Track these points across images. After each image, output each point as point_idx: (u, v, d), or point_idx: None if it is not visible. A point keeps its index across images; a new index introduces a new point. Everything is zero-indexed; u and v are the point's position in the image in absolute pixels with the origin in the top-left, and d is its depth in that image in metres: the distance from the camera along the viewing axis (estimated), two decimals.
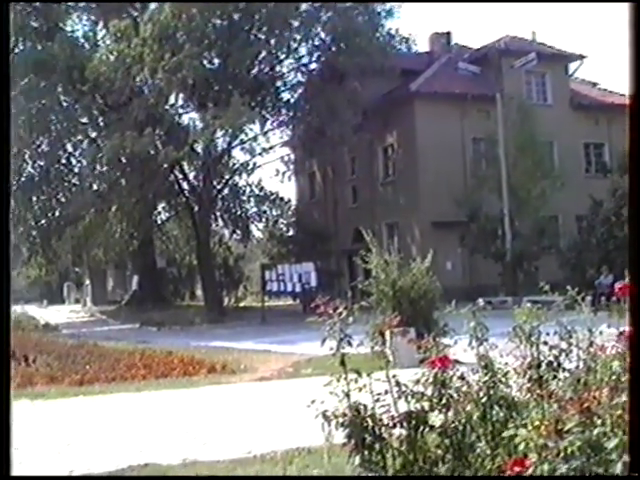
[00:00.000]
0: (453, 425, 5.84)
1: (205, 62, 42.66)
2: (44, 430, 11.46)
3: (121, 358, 20.88)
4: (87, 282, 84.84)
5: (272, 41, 43.29)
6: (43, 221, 52.66)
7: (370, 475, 5.74)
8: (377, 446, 5.86)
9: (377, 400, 5.84)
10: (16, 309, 70.02)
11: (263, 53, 43.87)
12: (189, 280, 67.72)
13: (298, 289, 40.07)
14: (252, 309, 47.97)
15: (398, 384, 5.90)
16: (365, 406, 5.84)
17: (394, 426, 5.86)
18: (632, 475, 4.61)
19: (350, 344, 6.02)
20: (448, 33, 52.80)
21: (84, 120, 48.87)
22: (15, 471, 8.67)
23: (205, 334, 32.72)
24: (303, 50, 46.40)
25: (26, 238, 56.07)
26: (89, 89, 43.83)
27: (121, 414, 12.70)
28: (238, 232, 54.03)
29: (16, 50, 46.81)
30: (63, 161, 51.49)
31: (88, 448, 10.05)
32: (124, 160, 43.57)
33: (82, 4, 49.01)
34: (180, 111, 49.11)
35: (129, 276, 70.69)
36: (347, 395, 5.84)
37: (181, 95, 45.89)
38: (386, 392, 5.86)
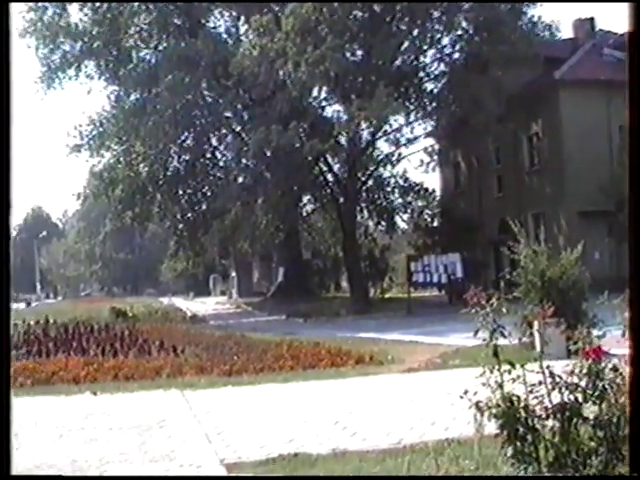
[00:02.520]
0: (607, 417, 5.75)
1: (348, 54, 42.74)
2: (194, 419, 11.66)
3: (268, 349, 21.08)
4: (233, 274, 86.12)
5: (414, 32, 43.13)
6: (189, 215, 53.78)
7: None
8: (529, 438, 5.82)
9: (530, 391, 5.79)
10: (163, 301, 71.77)
11: (406, 44, 43.73)
12: (334, 271, 68.01)
13: (444, 280, 39.89)
14: (398, 300, 47.90)
15: (552, 375, 5.84)
16: (518, 397, 5.80)
17: (547, 418, 5.81)
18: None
19: (503, 335, 5.99)
20: (592, 19, 51.56)
21: (228, 114, 49.62)
22: (163, 459, 8.90)
23: (351, 325, 32.80)
24: (446, 40, 46.09)
25: (173, 232, 57.49)
26: (233, 84, 44.49)
27: (270, 404, 12.81)
28: (383, 223, 54.13)
29: (160, 47, 47.83)
30: (208, 155, 52.48)
31: (238, 437, 10.18)
32: (269, 153, 44.00)
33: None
34: (324, 104, 49.42)
35: (274, 268, 71.47)
36: (500, 386, 5.82)
37: (324, 88, 46.11)
38: (540, 383, 5.80)
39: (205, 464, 8.62)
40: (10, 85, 5.04)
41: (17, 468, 8.77)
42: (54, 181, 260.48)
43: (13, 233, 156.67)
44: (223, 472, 8.22)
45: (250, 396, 13.93)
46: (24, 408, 13.45)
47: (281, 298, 55.40)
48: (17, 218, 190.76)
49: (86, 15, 48.39)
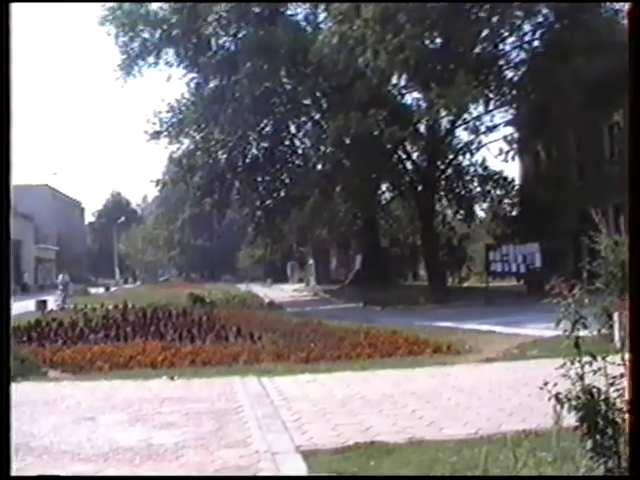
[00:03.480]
0: None
1: (427, 42, 42.45)
2: (271, 406, 11.70)
3: (346, 337, 21.08)
4: (311, 261, 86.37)
5: (494, 19, 42.63)
6: (268, 202, 53.97)
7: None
8: (609, 431, 5.73)
9: (612, 384, 5.70)
10: (241, 287, 72.21)
11: (485, 31, 43.27)
12: (412, 260, 67.95)
13: (522, 270, 39.62)
14: (475, 289, 47.63)
15: None
16: (599, 390, 5.72)
17: (628, 411, 5.71)
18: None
19: (585, 326, 5.90)
20: None
21: (307, 102, 49.72)
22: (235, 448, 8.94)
23: (429, 314, 32.67)
24: (526, 27, 45.46)
25: (251, 218, 57.66)
26: (312, 71, 44.45)
27: (346, 392, 12.82)
28: (461, 212, 53.94)
29: (239, 35, 48.01)
30: (287, 142, 52.66)
31: (314, 424, 10.20)
32: (348, 141, 43.96)
33: None
34: (403, 91, 49.25)
35: (352, 255, 71.51)
36: (581, 378, 5.74)
37: (404, 75, 45.90)
38: (621, 376, 5.71)
39: (281, 451, 8.64)
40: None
41: (94, 452, 8.90)
42: (133, 167, 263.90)
43: (92, 219, 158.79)
44: (299, 459, 8.23)
45: (327, 383, 13.96)
46: (101, 392, 13.65)
47: (358, 286, 55.31)
48: (96, 204, 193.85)
49: (165, 3, 48.80)
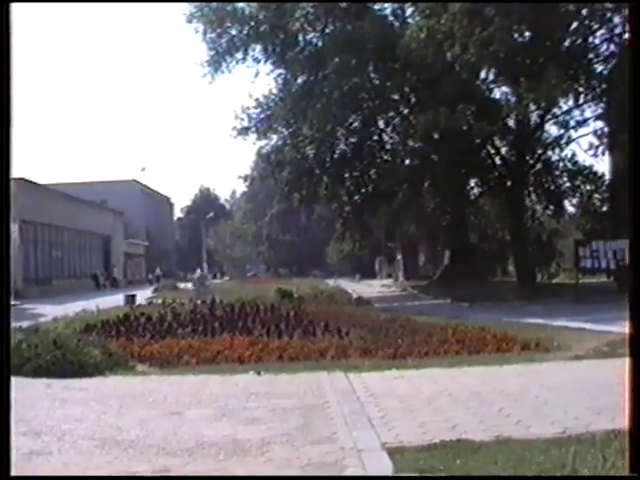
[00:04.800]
0: None
1: (516, 35, 42.05)
2: (357, 402, 11.69)
3: (433, 333, 20.99)
4: (399, 257, 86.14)
5: (584, 11, 42.06)
6: (356, 197, 54.00)
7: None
8: None
9: None
10: (329, 282, 72.34)
11: (575, 24, 42.71)
12: (501, 256, 67.39)
13: (612, 266, 39.03)
14: (565, 286, 47.12)
15: None
16: None
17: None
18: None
19: None
20: None
21: (395, 97, 49.67)
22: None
23: (517, 310, 32.38)
24: (616, 19, 44.77)
25: (339, 214, 57.71)
26: (400, 66, 44.34)
27: (433, 389, 12.76)
28: (551, 207, 53.33)
29: (326, 30, 48.07)
30: (375, 138, 52.67)
31: (401, 421, 10.17)
32: (436, 136, 43.85)
33: None
34: (492, 85, 48.88)
35: (440, 251, 71.11)
36: None
37: (492, 69, 45.59)
38: None
39: (367, 448, 8.63)
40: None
41: (179, 447, 8.98)
42: (222, 163, 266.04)
43: (181, 214, 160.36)
44: (384, 457, 8.22)
45: (414, 380, 13.92)
46: (188, 386, 13.78)
47: (446, 282, 55.02)
48: (185, 199, 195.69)
49: (251, 0, 49.10)
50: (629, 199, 4.71)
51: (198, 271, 53.80)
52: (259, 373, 14.97)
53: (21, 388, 13.17)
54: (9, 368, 5.23)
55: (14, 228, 62.95)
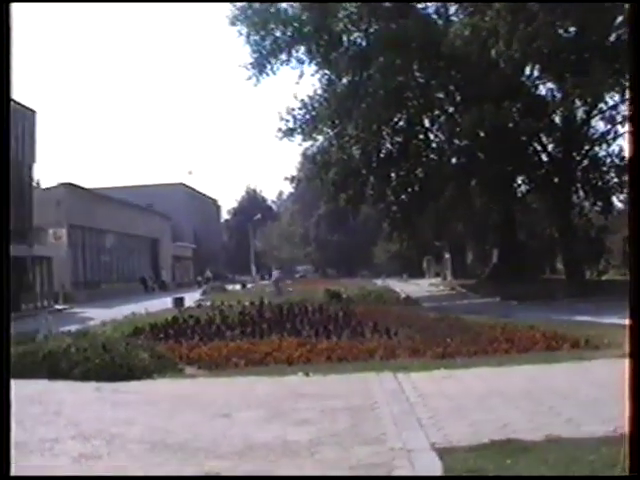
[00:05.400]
0: None
1: (560, 31, 41.78)
2: (406, 402, 11.67)
3: (482, 332, 20.93)
4: (447, 256, 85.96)
5: (627, 5, 41.71)
6: (403, 196, 53.85)
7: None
8: None
9: None
10: (377, 282, 72.25)
11: (620, 18, 42.36)
12: (549, 253, 66.97)
13: None
14: (614, 283, 46.65)
15: None
16: None
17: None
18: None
19: None
20: None
21: (440, 95, 49.55)
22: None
23: (566, 308, 32.19)
24: None
25: (386, 213, 57.57)
26: (444, 64, 44.28)
27: (482, 388, 12.70)
28: (599, 203, 52.79)
29: (370, 30, 48.01)
30: (421, 136, 52.58)
31: (450, 421, 10.14)
32: (482, 133, 43.69)
33: None
34: (537, 82, 48.62)
35: (488, 249, 70.78)
36: None
37: (537, 65, 45.38)
38: None
39: (416, 448, 8.61)
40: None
41: (229, 449, 9.00)
42: (268, 164, 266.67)
43: (228, 216, 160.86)
44: (434, 457, 8.19)
45: (463, 379, 13.87)
46: (237, 388, 13.81)
47: (495, 280, 54.74)
48: (232, 201, 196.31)
49: (295, 1, 49.18)
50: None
51: (275, 273, 53.98)
52: (308, 374, 14.98)
53: (70, 392, 13.28)
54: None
55: (62, 233, 63.57)
